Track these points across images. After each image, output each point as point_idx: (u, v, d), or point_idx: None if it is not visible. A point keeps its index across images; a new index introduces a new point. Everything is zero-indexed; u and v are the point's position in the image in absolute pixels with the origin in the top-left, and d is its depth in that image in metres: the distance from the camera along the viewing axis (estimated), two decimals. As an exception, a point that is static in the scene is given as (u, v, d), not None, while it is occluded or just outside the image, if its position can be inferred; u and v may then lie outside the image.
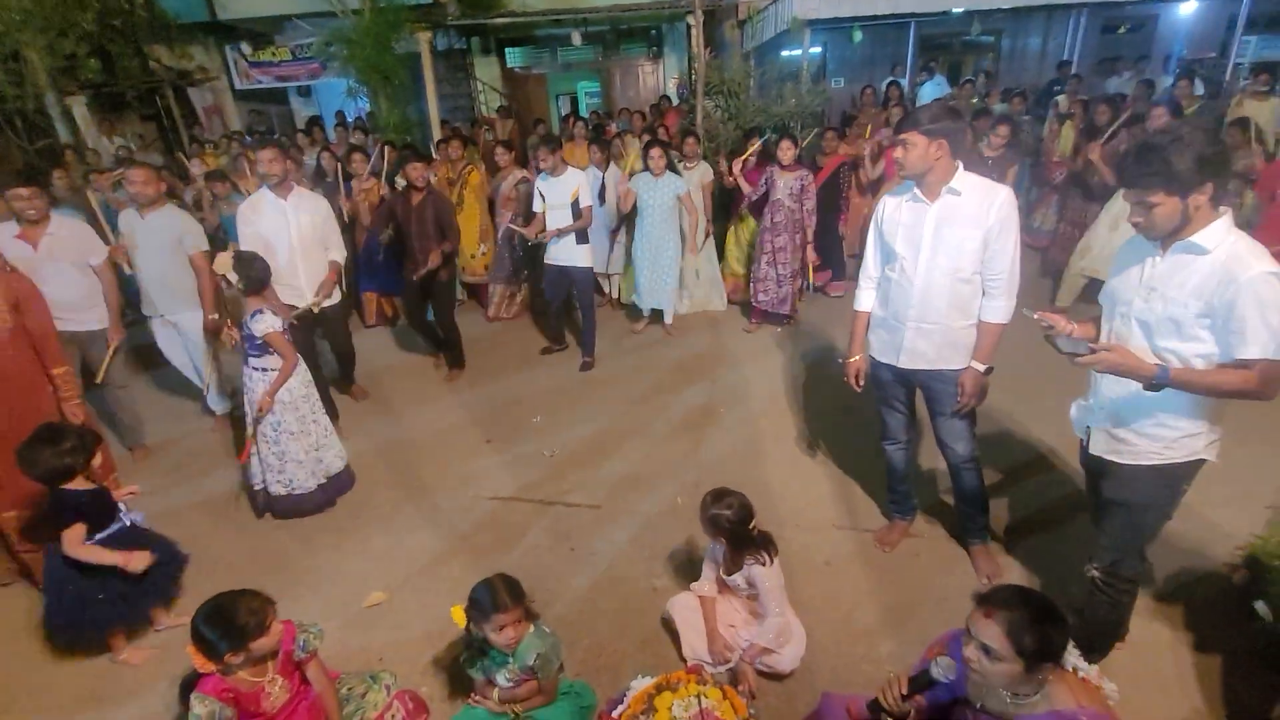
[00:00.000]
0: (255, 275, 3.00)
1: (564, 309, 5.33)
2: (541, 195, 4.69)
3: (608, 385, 4.66)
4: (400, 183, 4.78)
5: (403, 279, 4.69)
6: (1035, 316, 1.82)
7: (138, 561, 2.38)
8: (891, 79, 8.72)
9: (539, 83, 11.84)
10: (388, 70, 8.01)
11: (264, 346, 3.04)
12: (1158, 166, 1.64)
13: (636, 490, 3.42)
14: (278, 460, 3.17)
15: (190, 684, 1.92)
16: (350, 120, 9.22)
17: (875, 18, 8.22)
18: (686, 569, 2.78)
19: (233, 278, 2.96)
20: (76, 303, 3.49)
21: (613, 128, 7.42)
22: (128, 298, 4.14)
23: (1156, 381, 1.69)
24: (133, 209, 3.79)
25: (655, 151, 4.96)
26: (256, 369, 3.09)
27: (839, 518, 3.13)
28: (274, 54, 10.35)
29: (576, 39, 9.65)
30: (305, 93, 11.48)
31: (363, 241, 5.63)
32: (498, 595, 1.90)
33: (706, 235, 5.66)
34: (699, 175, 5.49)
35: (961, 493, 2.70)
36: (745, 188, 5.15)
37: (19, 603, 2.85)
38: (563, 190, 4.56)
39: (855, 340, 2.68)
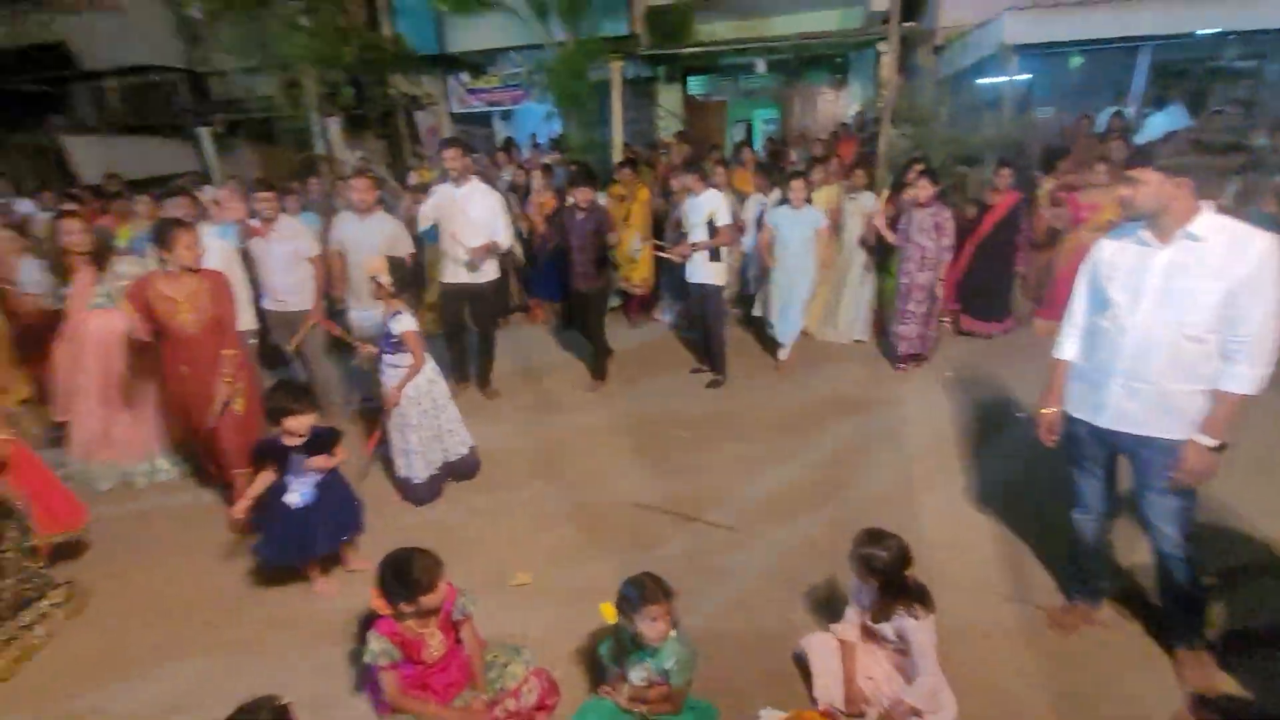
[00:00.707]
0: (404, 278, 3.38)
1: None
2: (687, 215, 4.90)
3: (755, 409, 4.62)
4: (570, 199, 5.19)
5: (562, 286, 5.06)
6: None
7: (334, 459, 2.96)
8: (1115, 108, 7.75)
9: (718, 109, 12.10)
10: (581, 96, 8.70)
11: (399, 344, 3.34)
12: None
13: (777, 518, 3.34)
14: (404, 446, 3.51)
15: (369, 622, 2.20)
16: (542, 141, 10.10)
17: (1099, 42, 7.38)
18: (824, 608, 2.66)
19: (384, 279, 3.27)
20: (290, 286, 4.24)
21: (792, 155, 7.41)
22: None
23: None
24: (352, 213, 4.44)
25: (797, 183, 4.96)
26: (390, 365, 3.41)
27: (1005, 586, 2.81)
28: (486, 82, 11.67)
29: (761, 67, 9.75)
30: (507, 116, 12.77)
31: (536, 250, 6.14)
32: (652, 587, 1.97)
33: (866, 268, 5.50)
34: (861, 205, 5.41)
35: (1168, 584, 2.31)
36: (889, 237, 5.00)
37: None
38: (701, 210, 4.73)
39: (1052, 391, 2.42)
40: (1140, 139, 6.73)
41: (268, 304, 4.33)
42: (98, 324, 3.74)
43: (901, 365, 5.09)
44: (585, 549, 3.19)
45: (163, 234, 3.14)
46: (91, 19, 10.49)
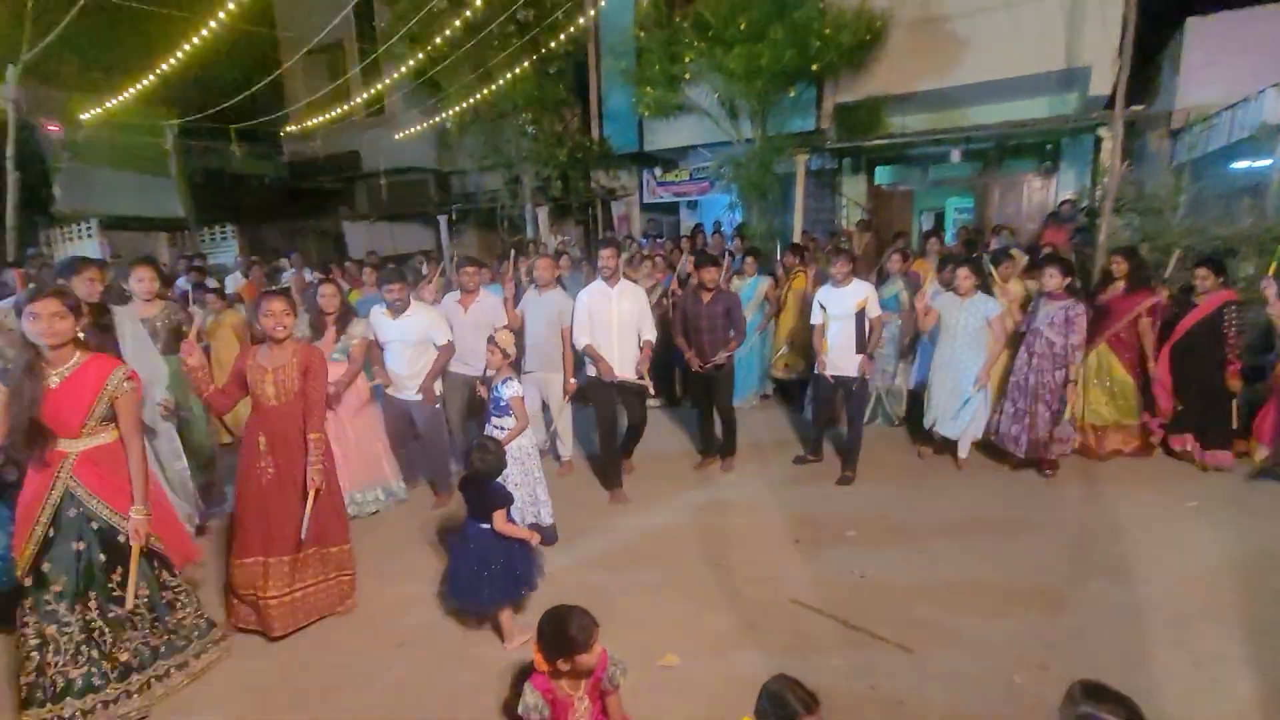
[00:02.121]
0: (518, 349, 3.67)
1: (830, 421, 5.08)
2: (822, 306, 4.73)
3: (925, 513, 4.21)
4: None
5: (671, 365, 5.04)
6: None
7: (534, 536, 3.14)
8: None
9: (905, 199, 11.80)
10: (766, 188, 9.04)
11: (506, 408, 3.58)
12: None
13: (962, 646, 2.94)
14: None
15: (526, 673, 2.30)
16: (726, 229, 10.56)
17: None
18: (1019, 768, 2.25)
19: (510, 350, 3.61)
20: (479, 352, 4.49)
21: (993, 244, 6.99)
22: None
23: None
24: (534, 288, 4.89)
25: (963, 271, 4.57)
26: (497, 428, 3.61)
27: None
28: (676, 175, 12.63)
29: (956, 156, 9.42)
30: (693, 205, 13.61)
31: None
32: (797, 697, 1.83)
33: None
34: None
35: None
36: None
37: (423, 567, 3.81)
38: (847, 300, 4.59)
39: None
40: None
41: (455, 366, 4.72)
42: (332, 374, 4.23)
43: (1048, 471, 4.60)
44: (739, 641, 3.05)
45: (259, 304, 3.12)
46: (376, 133, 13.30)
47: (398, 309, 4.40)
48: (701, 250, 5.48)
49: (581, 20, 9.80)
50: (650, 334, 4.68)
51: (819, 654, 2.93)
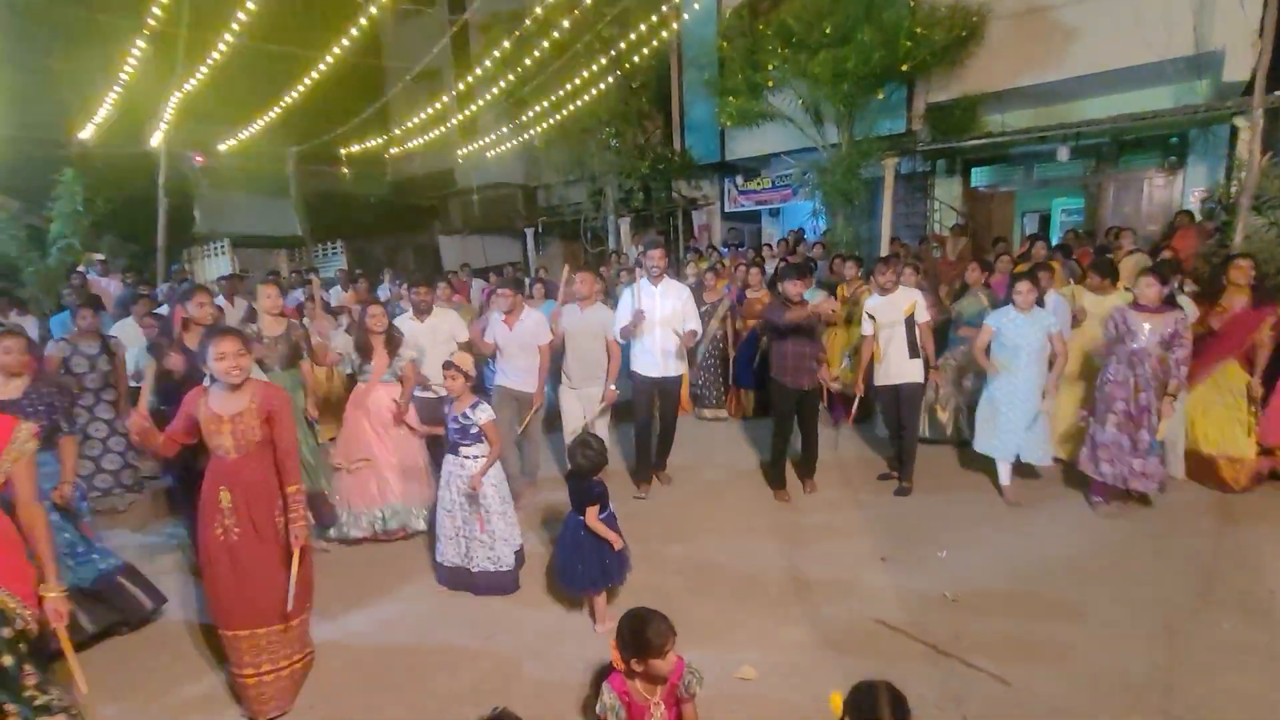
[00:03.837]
0: (476, 373, 3.65)
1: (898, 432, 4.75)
2: (871, 315, 4.60)
3: (1032, 537, 3.93)
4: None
5: (761, 377, 4.96)
6: None
7: (617, 541, 3.18)
8: None
9: (1004, 200, 11.11)
10: (852, 194, 8.78)
11: (478, 435, 3.45)
12: None
13: (1068, 682, 2.72)
14: (440, 528, 3.62)
15: (604, 673, 2.35)
16: (810, 237, 10.33)
17: None
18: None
19: (472, 373, 3.52)
20: (524, 368, 4.61)
21: (1125, 245, 6.45)
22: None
23: None
24: (574, 304, 4.81)
25: (1024, 285, 4.23)
26: (468, 457, 3.49)
27: None
28: (758, 184, 12.50)
29: (1064, 154, 8.78)
30: (774, 214, 13.42)
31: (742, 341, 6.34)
32: (899, 701, 1.77)
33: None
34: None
35: None
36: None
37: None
38: (894, 307, 4.53)
39: None
40: None
41: (502, 380, 4.72)
42: (384, 393, 4.24)
43: (1098, 498, 4.21)
44: (818, 659, 2.97)
45: (207, 345, 2.60)
46: (468, 151, 13.99)
47: (422, 311, 4.76)
48: (792, 263, 5.40)
49: (664, 33, 9.93)
50: (694, 326, 4.83)
51: (905, 679, 2.74)
